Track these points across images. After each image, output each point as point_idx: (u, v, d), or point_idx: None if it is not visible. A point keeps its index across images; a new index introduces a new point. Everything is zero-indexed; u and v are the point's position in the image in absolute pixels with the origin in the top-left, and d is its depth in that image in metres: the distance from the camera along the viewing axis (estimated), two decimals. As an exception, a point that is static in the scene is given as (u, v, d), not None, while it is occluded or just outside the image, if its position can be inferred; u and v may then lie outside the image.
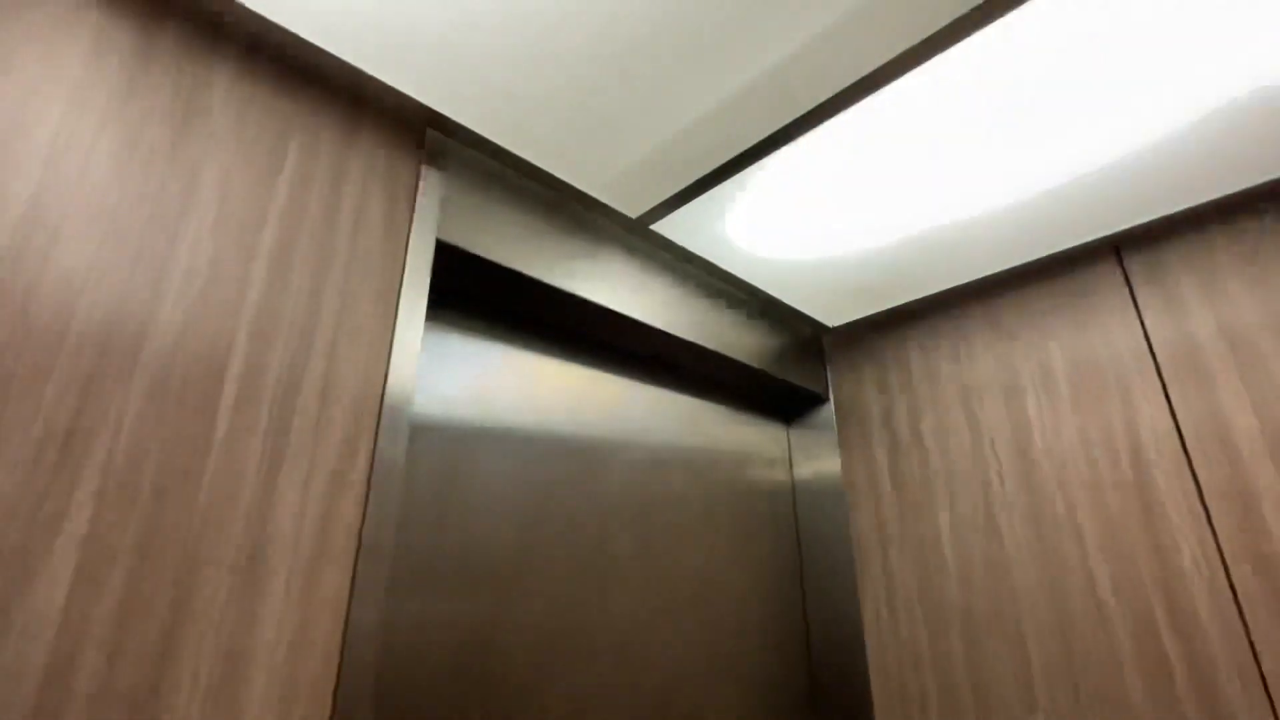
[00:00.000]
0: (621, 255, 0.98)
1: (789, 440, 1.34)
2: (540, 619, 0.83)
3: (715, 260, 1.05)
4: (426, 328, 0.84)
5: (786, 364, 1.23)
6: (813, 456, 1.29)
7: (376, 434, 0.62)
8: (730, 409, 1.24)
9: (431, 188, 0.75)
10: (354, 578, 0.56)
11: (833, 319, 1.26)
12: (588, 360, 1.02)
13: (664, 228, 0.97)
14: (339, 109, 0.69)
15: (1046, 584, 0.95)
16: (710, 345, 1.08)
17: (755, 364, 1.16)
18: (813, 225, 0.95)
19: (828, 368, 1.33)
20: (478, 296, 0.89)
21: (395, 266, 0.69)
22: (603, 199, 0.90)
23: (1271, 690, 0.75)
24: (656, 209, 0.93)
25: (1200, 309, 0.90)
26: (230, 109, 0.60)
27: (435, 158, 0.77)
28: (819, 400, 1.31)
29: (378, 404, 0.63)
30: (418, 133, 0.76)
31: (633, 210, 0.93)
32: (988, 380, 1.09)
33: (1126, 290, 0.98)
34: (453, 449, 0.81)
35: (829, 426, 1.28)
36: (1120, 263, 1.00)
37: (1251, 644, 0.78)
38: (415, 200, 0.73)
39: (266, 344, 0.56)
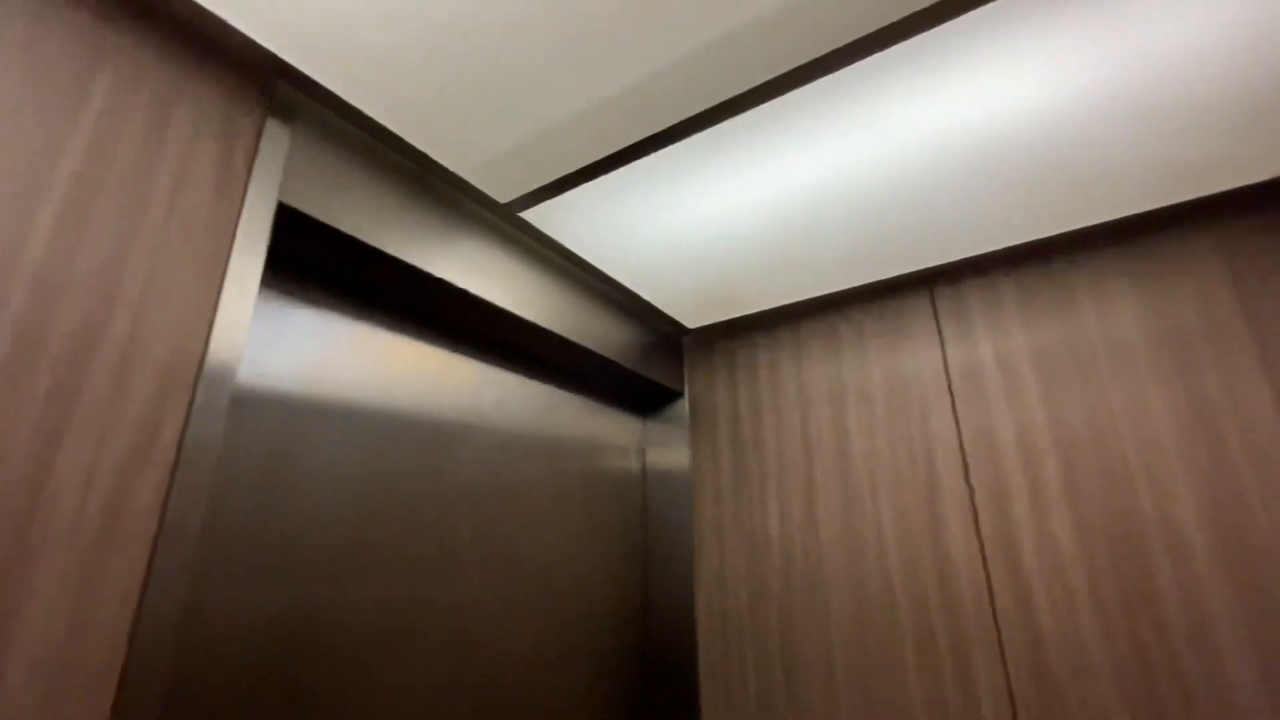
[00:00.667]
0: (486, 239, 0.96)
1: (644, 432, 1.39)
2: (374, 609, 0.80)
3: (583, 254, 1.07)
4: (262, 297, 0.77)
5: (646, 360, 1.28)
6: (665, 449, 1.36)
7: (190, 408, 0.57)
8: (588, 399, 1.27)
9: (276, 144, 0.69)
10: (151, 563, 0.51)
11: (692, 321, 1.33)
12: (442, 342, 0.99)
13: (533, 216, 0.97)
14: (167, 44, 0.62)
15: (850, 570, 1.08)
16: (573, 337, 1.09)
17: (617, 358, 1.19)
18: (678, 230, 0.99)
19: (685, 366, 1.41)
20: (325, 268, 0.84)
21: (226, 226, 0.63)
22: (470, 180, 0.89)
23: (1007, 657, 0.92)
24: (527, 197, 0.93)
25: (985, 340, 1.07)
26: (17, 24, 0.52)
27: (283, 112, 0.71)
28: (675, 396, 1.37)
29: (193, 375, 0.57)
30: (263, 83, 0.70)
31: (501, 195, 0.92)
32: (819, 389, 1.21)
33: (934, 321, 1.13)
34: (286, 428, 0.76)
35: (682, 421, 1.35)
36: (931, 296, 1.15)
37: (995, 618, 0.94)
38: (255, 156, 0.67)
39: (51, 301, 0.49)
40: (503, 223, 1.00)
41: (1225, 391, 0.88)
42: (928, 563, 1.02)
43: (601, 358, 1.17)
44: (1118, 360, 0.96)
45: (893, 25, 0.64)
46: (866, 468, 1.12)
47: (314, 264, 0.83)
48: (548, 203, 0.94)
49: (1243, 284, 0.90)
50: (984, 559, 0.97)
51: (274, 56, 0.68)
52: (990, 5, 0.62)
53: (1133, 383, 0.94)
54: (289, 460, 0.76)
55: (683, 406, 1.37)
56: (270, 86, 0.70)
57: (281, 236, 0.75)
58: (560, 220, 0.98)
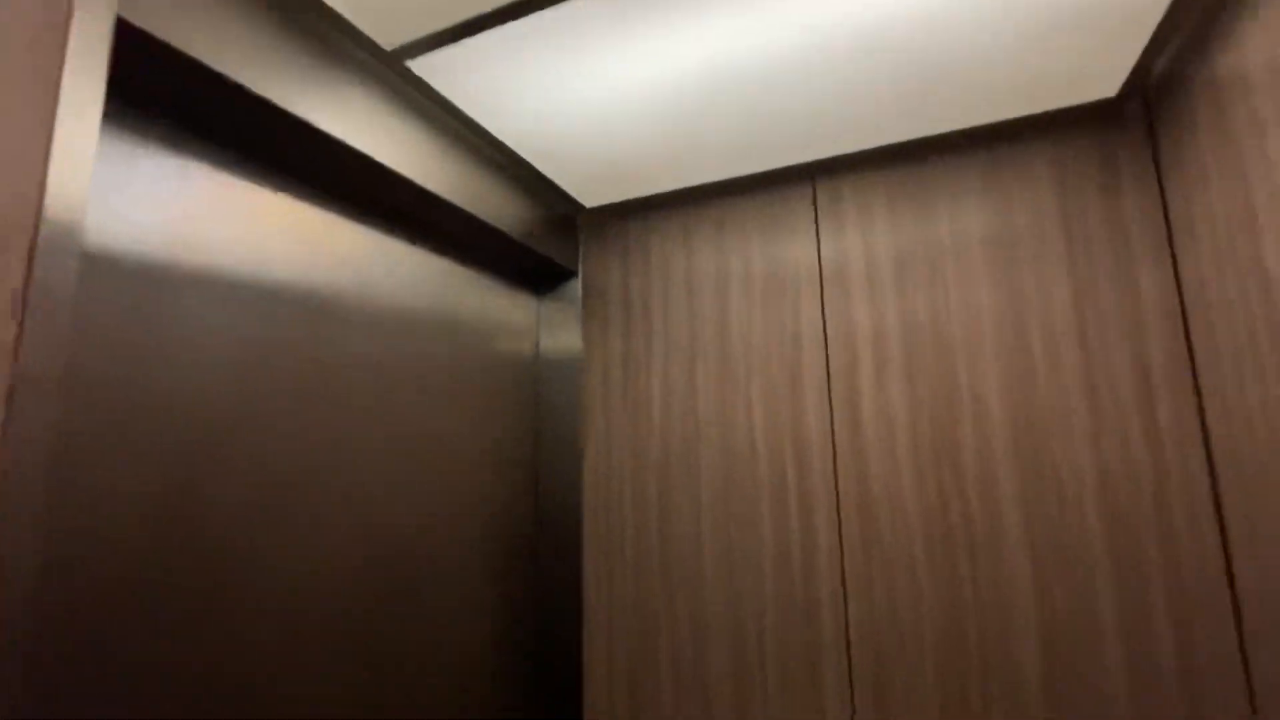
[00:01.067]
0: (367, 88, 0.89)
1: (538, 311, 1.41)
2: (262, 476, 0.80)
3: (477, 117, 1.02)
4: (109, 134, 0.68)
5: (542, 237, 1.28)
6: (558, 327, 1.40)
7: (32, 252, 0.51)
8: (483, 274, 1.26)
9: (107, -57, 0.59)
10: (9, 411, 0.49)
11: (588, 200, 1.33)
12: (322, 202, 0.93)
13: (422, 68, 0.90)
14: None
15: (722, 437, 1.21)
16: (466, 206, 1.06)
17: (512, 233, 1.18)
18: (575, 102, 0.97)
19: (580, 245, 1.42)
20: (181, 104, 0.74)
21: (52, 40, 0.54)
22: (351, 19, 0.80)
23: (841, 505, 1.10)
24: (415, 45, 0.86)
25: (854, 236, 1.17)
26: None
27: (112, -97, 0.59)
28: (569, 275, 1.39)
29: (32, 215, 0.51)
30: None
31: (387, 40, 0.84)
32: (706, 273, 1.28)
33: (813, 214, 1.21)
34: (148, 289, 0.70)
35: (575, 301, 1.39)
36: (813, 189, 1.22)
37: (836, 473, 1.11)
38: (81, -46, 0.57)
39: None
40: (388, 72, 0.92)
41: (1036, 289, 1.04)
42: (786, 428, 1.16)
43: (497, 231, 1.15)
44: (960, 262, 1.09)
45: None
46: (743, 348, 1.22)
47: (168, 99, 0.73)
48: (438, 53, 0.87)
49: (1066, 195, 1.05)
50: (832, 424, 1.13)
51: None
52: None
53: (969, 282, 1.08)
54: (158, 327, 0.71)
55: (576, 286, 1.39)
56: None
57: (125, 62, 0.65)
58: (452, 76, 0.92)
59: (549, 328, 1.40)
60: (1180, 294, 0.96)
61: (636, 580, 1.23)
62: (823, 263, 1.19)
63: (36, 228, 0.52)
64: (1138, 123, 1.02)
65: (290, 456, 0.84)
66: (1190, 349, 0.95)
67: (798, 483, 1.14)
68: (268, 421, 0.82)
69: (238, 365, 0.79)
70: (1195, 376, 0.94)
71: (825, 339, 1.16)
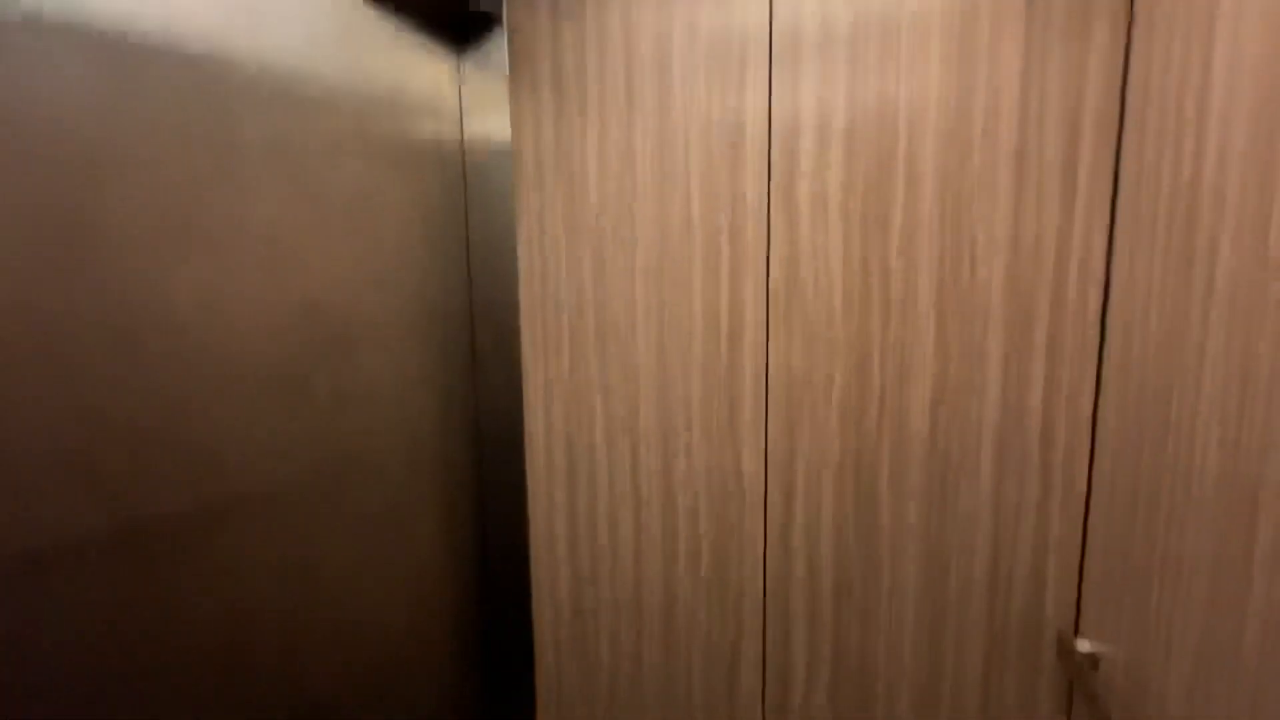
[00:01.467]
0: None
1: (458, 65, 1.26)
2: (153, 211, 0.72)
3: None
4: None
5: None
6: (482, 84, 1.26)
7: None
8: (391, 15, 1.08)
9: None
10: None
11: (514, -76, 1.12)
12: None
13: None
14: None
15: (659, 212, 1.19)
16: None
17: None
18: None
19: (504, -13, 1.23)
20: None
21: None
22: None
23: (770, 270, 1.14)
24: None
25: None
26: None
27: None
28: (492, 23, 1.22)
29: None
30: None
31: None
32: (645, 34, 1.15)
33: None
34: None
35: (500, 53, 1.24)
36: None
37: (769, 240, 1.13)
38: None
39: None
40: None
41: (987, 66, 1.01)
42: (723, 203, 1.15)
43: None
44: (915, 39, 1.03)
45: None
46: (683, 122, 1.15)
47: None
48: None
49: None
50: (769, 198, 1.12)
51: None
52: None
53: (920, 63, 1.03)
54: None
55: (501, 38, 1.23)
56: None
57: None
58: None
59: (472, 85, 1.26)
60: (1125, 74, 0.96)
61: (572, 350, 1.27)
62: (774, 29, 1.09)
63: None
64: None
65: (182, 204, 0.75)
66: (1120, 132, 0.97)
67: (730, 253, 1.16)
68: (151, 152, 0.72)
69: (98, 106, 0.66)
70: (1117, 159, 0.98)
71: (770, 120, 1.11)
